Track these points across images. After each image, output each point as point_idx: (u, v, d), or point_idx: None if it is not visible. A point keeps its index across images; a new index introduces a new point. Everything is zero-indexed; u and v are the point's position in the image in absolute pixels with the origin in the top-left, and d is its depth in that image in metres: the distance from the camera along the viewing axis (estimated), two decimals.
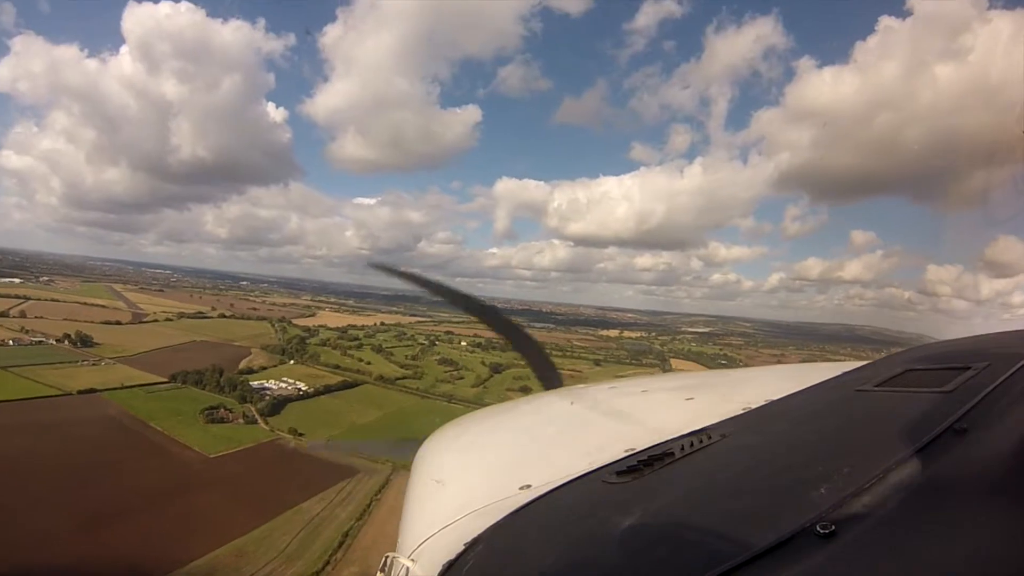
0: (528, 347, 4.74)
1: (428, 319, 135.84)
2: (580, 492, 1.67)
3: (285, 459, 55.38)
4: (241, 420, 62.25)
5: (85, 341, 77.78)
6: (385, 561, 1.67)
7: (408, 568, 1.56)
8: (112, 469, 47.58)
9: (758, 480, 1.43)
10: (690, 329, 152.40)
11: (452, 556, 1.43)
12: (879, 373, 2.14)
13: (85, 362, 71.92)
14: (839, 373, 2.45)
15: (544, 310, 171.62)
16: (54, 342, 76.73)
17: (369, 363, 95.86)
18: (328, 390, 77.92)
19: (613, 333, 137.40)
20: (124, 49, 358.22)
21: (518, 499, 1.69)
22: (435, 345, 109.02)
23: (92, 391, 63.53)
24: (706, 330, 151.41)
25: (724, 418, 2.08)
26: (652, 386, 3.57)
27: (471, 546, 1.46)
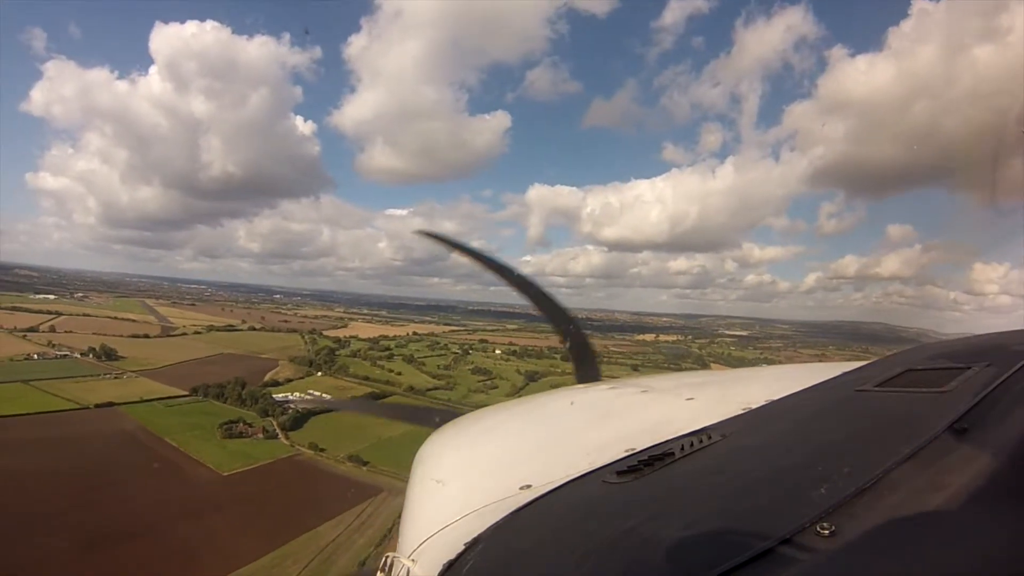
0: (574, 334, 4.79)
1: (462, 328, 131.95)
2: (580, 492, 1.67)
3: (303, 477, 50.75)
4: (260, 435, 58.24)
5: (110, 354, 76.07)
6: (385, 561, 1.66)
7: (408, 568, 1.57)
8: (118, 487, 43.85)
9: (758, 480, 1.43)
10: (728, 332, 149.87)
11: (452, 556, 1.44)
12: (879, 373, 2.13)
13: (107, 375, 69.82)
14: (839, 373, 2.42)
15: (580, 317, 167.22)
16: (79, 356, 75.24)
17: (399, 373, 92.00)
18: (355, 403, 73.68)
19: (649, 337, 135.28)
20: (153, 69, 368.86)
21: (518, 499, 1.69)
22: (469, 354, 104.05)
23: (110, 405, 60.90)
24: (744, 333, 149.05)
25: (724, 418, 2.07)
26: (652, 386, 3.47)
27: (471, 546, 1.47)
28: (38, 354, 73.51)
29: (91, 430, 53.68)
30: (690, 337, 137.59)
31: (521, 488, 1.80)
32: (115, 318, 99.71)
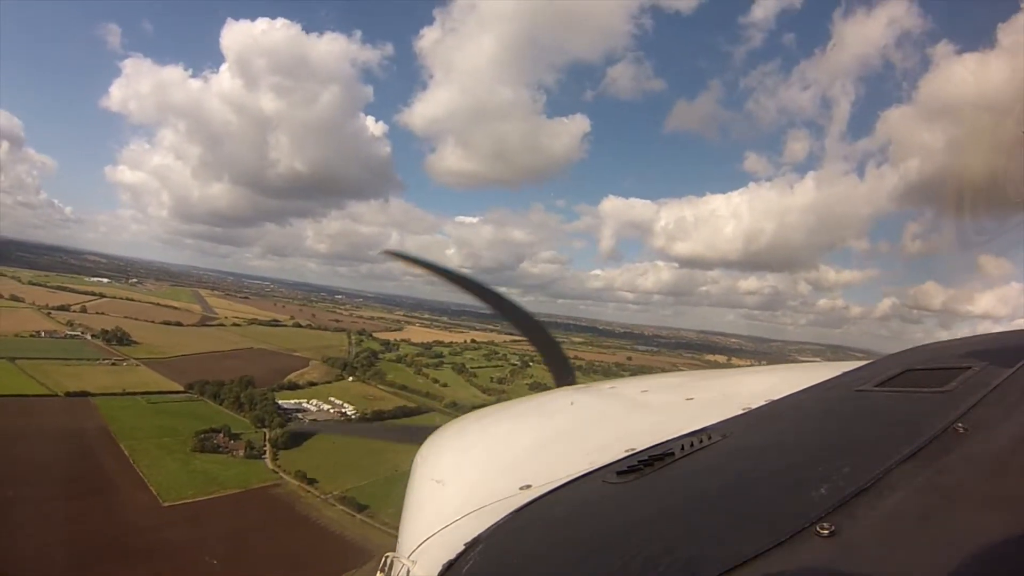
0: (546, 342, 5.10)
1: (525, 338, 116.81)
2: (580, 492, 1.68)
3: (268, 522, 35.88)
4: (241, 452, 44.52)
5: (122, 339, 67.16)
6: (385, 561, 1.66)
7: (408, 568, 1.58)
8: (10, 512, 31.04)
9: (758, 480, 1.44)
10: (802, 359, 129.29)
11: (452, 556, 1.44)
12: (879, 373, 2.15)
13: (105, 361, 60.21)
14: (839, 373, 2.42)
15: (647, 333, 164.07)
16: (89, 337, 66.84)
17: (445, 385, 77.44)
18: (380, 417, 58.94)
19: (720, 359, 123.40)
20: (224, 67, 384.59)
21: (518, 499, 1.70)
22: (528, 367, 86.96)
23: (84, 395, 50.19)
24: (818, 360, 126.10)
25: (724, 418, 2.07)
26: (652, 386, 3.47)
27: (471, 546, 1.47)
28: (47, 331, 65.71)
29: (36, 423, 42.58)
30: (764, 362, 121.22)
31: (521, 488, 1.77)
32: (156, 304, 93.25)
